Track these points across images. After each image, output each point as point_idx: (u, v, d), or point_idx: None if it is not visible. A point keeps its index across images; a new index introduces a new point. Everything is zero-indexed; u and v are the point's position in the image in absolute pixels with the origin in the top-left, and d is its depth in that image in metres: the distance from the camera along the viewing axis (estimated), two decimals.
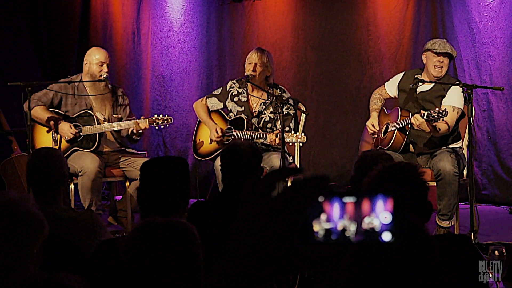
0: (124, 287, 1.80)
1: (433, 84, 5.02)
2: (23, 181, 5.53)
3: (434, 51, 4.98)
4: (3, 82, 5.19)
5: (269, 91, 5.27)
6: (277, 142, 4.96)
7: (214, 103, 5.49)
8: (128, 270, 1.75)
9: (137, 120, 5.15)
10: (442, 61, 4.96)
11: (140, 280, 1.73)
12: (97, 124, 5.16)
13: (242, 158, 3.36)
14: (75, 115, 5.21)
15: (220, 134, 5.27)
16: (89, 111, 5.20)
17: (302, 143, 5.00)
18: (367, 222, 0.88)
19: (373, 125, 5.16)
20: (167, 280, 1.71)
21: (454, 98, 4.92)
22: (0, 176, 5.63)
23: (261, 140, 5.23)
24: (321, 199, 0.89)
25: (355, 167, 3.31)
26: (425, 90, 5.07)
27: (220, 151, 5.01)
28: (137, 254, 1.73)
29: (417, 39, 6.37)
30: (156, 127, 5.39)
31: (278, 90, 5.33)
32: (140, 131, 5.15)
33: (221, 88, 5.56)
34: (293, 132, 5.08)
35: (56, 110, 5.23)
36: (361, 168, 3.26)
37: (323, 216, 0.89)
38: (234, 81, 5.48)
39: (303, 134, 4.98)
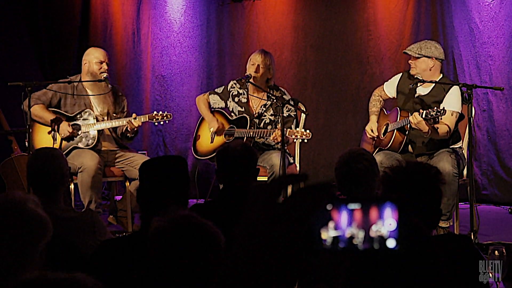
0: (142, 277, 1.84)
1: (431, 87, 5.03)
2: (23, 181, 5.53)
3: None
4: (3, 82, 5.19)
5: (269, 92, 5.27)
6: (279, 139, 4.94)
7: (216, 100, 5.50)
8: (152, 260, 1.77)
9: (130, 118, 5.15)
10: (412, 62, 5.09)
11: (159, 272, 1.76)
12: (96, 122, 5.18)
13: (235, 159, 3.35)
14: (74, 114, 5.22)
15: (219, 125, 5.30)
16: (88, 110, 5.21)
17: (307, 139, 4.98)
18: (374, 230, 0.88)
19: (372, 130, 5.18)
20: (182, 278, 1.74)
21: (451, 102, 4.92)
22: (0, 176, 5.62)
23: (262, 140, 5.24)
24: (329, 207, 0.89)
25: (337, 164, 3.36)
26: (424, 94, 5.07)
27: None
28: (166, 246, 1.76)
29: (417, 39, 6.36)
30: (156, 123, 5.40)
31: (278, 92, 5.33)
32: (135, 128, 5.15)
33: (223, 86, 5.57)
34: (297, 129, 5.05)
35: (56, 110, 5.23)
36: (344, 165, 3.31)
37: (331, 224, 0.89)
38: (235, 81, 5.49)
39: (308, 131, 4.96)
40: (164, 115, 5.30)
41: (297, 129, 5.01)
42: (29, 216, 1.87)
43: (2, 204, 1.89)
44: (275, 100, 5.13)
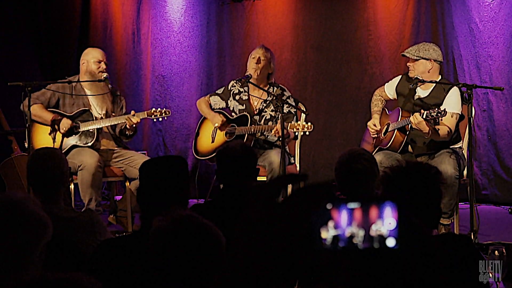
0: (142, 277, 1.84)
1: (431, 89, 5.03)
2: (23, 181, 5.53)
3: None
4: (3, 82, 5.19)
5: (269, 90, 5.29)
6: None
7: (217, 101, 5.52)
8: (152, 260, 1.78)
9: (129, 115, 5.16)
10: (411, 64, 5.08)
11: (160, 272, 1.76)
12: (95, 121, 5.19)
13: (235, 159, 3.36)
14: (73, 114, 5.22)
15: (223, 118, 5.30)
16: (87, 110, 5.22)
17: (309, 132, 4.97)
18: (374, 229, 0.88)
19: (374, 125, 5.18)
20: (183, 278, 1.75)
21: (451, 104, 4.92)
22: (0, 176, 5.63)
23: (264, 137, 5.25)
24: (329, 206, 0.90)
25: (337, 164, 3.36)
26: (423, 96, 5.08)
27: None
28: (167, 246, 1.77)
29: (417, 39, 6.37)
30: (155, 120, 5.41)
31: (279, 89, 5.35)
32: (134, 125, 5.15)
33: (223, 87, 5.59)
34: (298, 122, 5.04)
35: (54, 110, 5.23)
36: (344, 165, 3.32)
37: (331, 223, 0.89)
38: (235, 80, 5.51)
39: (309, 123, 4.95)
40: (163, 111, 5.32)
41: (298, 122, 5.01)
42: (29, 216, 1.87)
43: (2, 204, 1.89)
44: (275, 99, 5.14)
